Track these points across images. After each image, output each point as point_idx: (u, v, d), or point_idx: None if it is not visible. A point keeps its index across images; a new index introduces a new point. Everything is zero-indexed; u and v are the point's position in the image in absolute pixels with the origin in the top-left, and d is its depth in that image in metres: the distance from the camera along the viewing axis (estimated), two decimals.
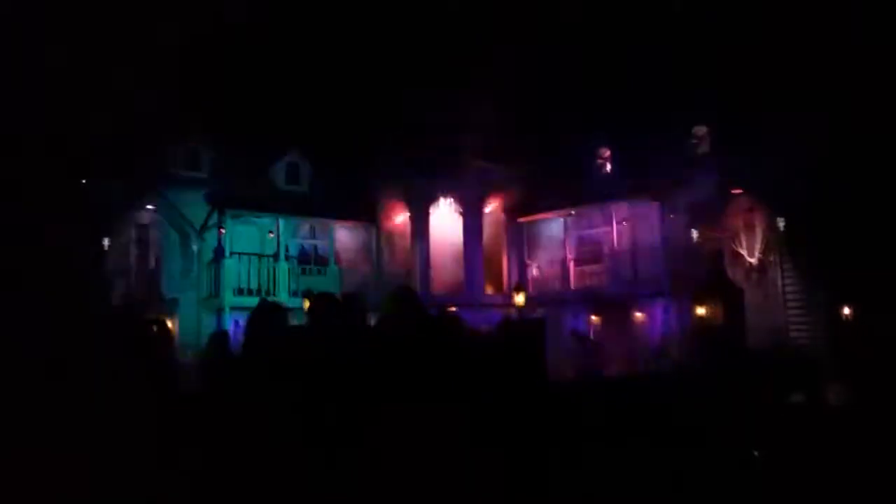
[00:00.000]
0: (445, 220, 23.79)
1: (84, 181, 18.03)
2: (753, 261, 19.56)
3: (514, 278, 23.73)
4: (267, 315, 4.38)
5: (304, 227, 23.82)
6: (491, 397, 4.24)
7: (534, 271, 24.15)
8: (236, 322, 20.27)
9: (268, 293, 20.88)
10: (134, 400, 4.55)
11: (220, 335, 7.07)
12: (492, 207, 24.24)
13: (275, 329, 4.14)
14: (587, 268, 22.99)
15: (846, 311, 17.35)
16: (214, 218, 21.16)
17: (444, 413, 3.90)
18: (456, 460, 3.81)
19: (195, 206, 20.97)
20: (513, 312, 21.20)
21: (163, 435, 4.23)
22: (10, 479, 4.15)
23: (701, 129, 21.05)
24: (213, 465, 3.73)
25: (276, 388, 3.75)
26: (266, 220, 22.42)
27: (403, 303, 4.43)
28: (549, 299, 22.94)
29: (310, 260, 23.63)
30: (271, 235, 22.40)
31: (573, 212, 23.19)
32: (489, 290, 23.84)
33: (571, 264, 23.24)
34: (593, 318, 22.40)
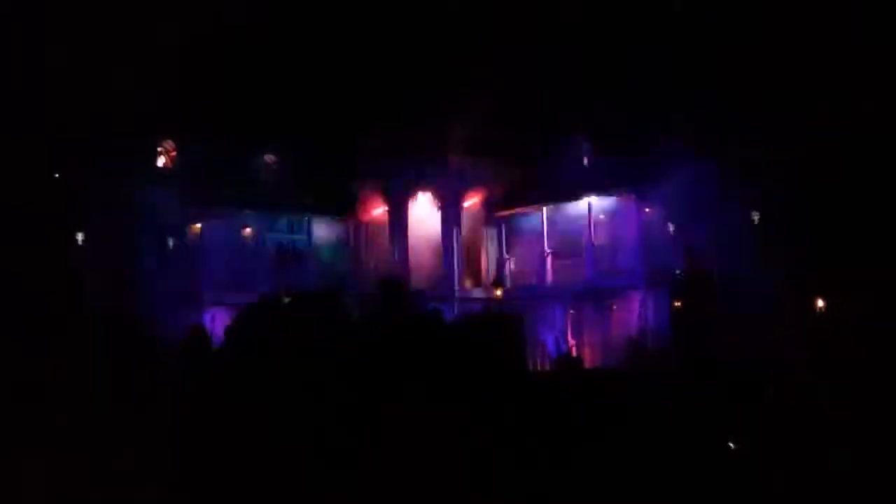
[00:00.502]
0: (424, 213, 23.78)
1: (58, 175, 17.79)
2: (729, 255, 19.73)
3: (493, 272, 23.80)
4: (273, 311, 4.29)
5: (283, 221, 23.67)
6: (474, 391, 4.26)
7: (512, 265, 24.21)
8: (212, 317, 20.12)
9: (245, 288, 20.73)
10: (127, 396, 4.50)
11: (199, 329, 7.03)
12: (471, 202, 24.27)
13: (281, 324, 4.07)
14: (565, 261, 23.09)
15: (820, 304, 17.60)
16: (192, 213, 20.96)
17: (429, 406, 3.92)
18: (441, 450, 3.83)
19: (172, 201, 20.74)
20: (491, 306, 21.27)
21: (156, 429, 4.20)
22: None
23: (678, 125, 21.18)
24: (209, 456, 3.71)
25: (270, 379, 3.73)
26: (244, 216, 22.25)
27: (390, 296, 4.42)
28: (528, 292, 23.04)
29: (288, 255, 23.49)
30: (248, 231, 22.25)
31: (552, 206, 23.27)
32: (468, 284, 23.87)
33: (549, 258, 23.33)
34: (571, 311, 22.52)
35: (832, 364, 11.82)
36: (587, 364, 21.10)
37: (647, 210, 21.36)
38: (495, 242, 24.46)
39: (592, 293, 21.93)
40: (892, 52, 14.04)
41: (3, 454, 4.00)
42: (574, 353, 21.00)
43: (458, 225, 23.74)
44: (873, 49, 14.48)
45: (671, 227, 20.85)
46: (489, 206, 24.29)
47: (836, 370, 11.15)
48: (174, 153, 21.61)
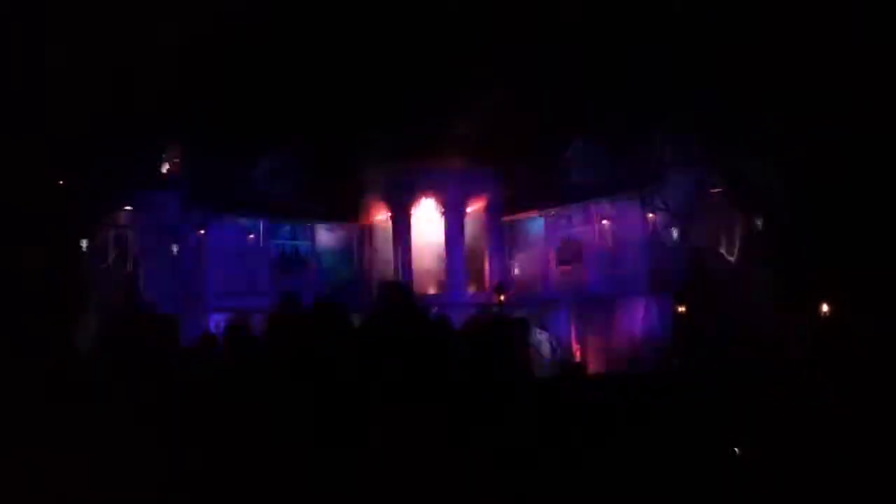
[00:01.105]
0: (427, 219, 23.82)
1: (61, 182, 17.86)
2: (732, 259, 19.72)
3: (496, 278, 23.80)
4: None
5: (285, 228, 23.76)
6: (480, 396, 4.25)
7: (515, 270, 24.21)
8: (217, 324, 20.17)
9: (249, 294, 20.83)
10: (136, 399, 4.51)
11: (209, 337, 7.04)
12: (474, 207, 24.30)
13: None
14: (569, 267, 23.08)
15: (825, 308, 17.53)
16: (194, 219, 21.04)
17: (434, 412, 3.91)
18: (447, 458, 3.82)
19: (175, 208, 20.83)
20: (495, 311, 21.25)
21: (165, 434, 4.20)
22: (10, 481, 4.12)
23: (679, 129, 21.18)
24: (213, 463, 3.72)
25: (280, 387, 3.74)
26: (246, 222, 22.33)
27: (395, 300, 4.42)
28: (531, 298, 23.03)
29: (291, 261, 23.55)
30: (251, 237, 22.32)
31: (555, 211, 23.27)
32: (471, 290, 23.88)
33: (553, 263, 23.32)
34: (575, 316, 22.49)
35: (832, 364, 11.79)
36: (590, 369, 21.08)
37: (651, 215, 21.33)
38: (498, 248, 24.48)
39: (597, 299, 21.89)
40: (892, 52, 14.01)
41: (2, 454, 4.02)
42: (577, 358, 20.96)
43: (462, 231, 23.78)
44: (873, 49, 14.46)
45: (675, 232, 20.81)
46: (493, 211, 24.33)
47: (836, 370, 11.12)
48: (178, 158, 21.69)
